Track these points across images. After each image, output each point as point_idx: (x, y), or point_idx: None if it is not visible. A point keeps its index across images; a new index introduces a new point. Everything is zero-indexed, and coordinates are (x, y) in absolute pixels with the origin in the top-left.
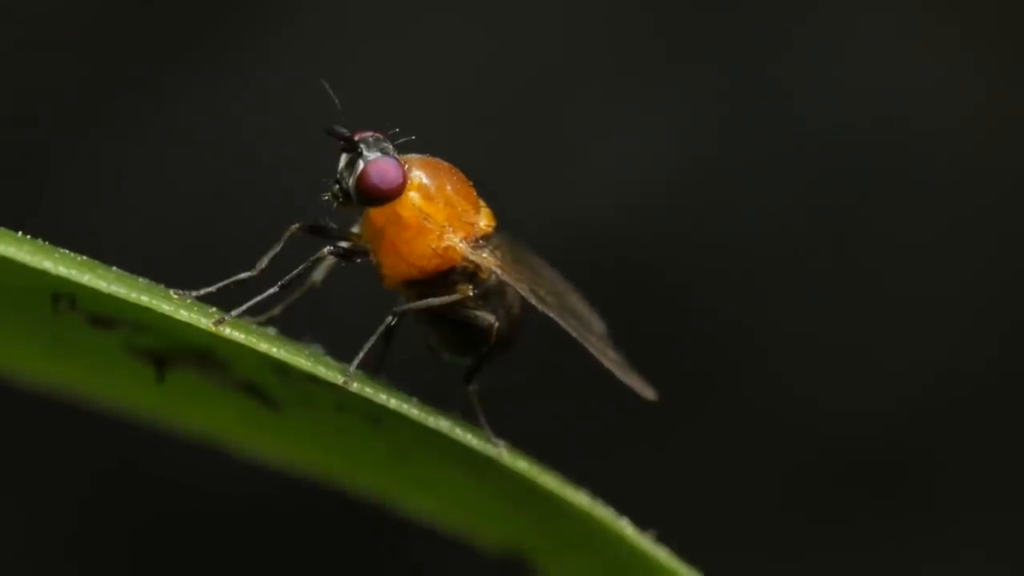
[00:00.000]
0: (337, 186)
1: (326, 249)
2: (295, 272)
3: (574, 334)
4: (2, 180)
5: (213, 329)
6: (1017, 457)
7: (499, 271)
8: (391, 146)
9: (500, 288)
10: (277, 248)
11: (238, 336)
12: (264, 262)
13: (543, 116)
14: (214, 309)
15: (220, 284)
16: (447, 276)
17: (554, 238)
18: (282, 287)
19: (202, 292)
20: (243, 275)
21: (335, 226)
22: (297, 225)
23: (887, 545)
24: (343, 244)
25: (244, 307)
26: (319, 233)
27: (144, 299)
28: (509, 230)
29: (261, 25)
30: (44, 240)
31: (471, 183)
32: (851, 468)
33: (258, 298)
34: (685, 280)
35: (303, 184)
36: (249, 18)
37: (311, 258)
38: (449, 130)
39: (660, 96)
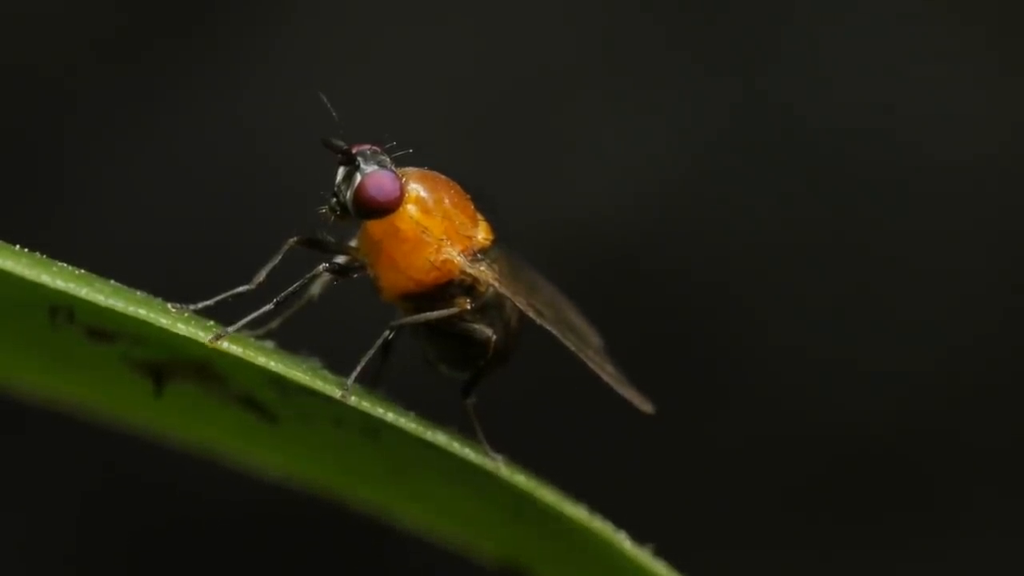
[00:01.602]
0: (334, 199)
1: (322, 266)
2: (291, 288)
3: (572, 347)
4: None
5: (210, 344)
6: (1017, 458)
7: (497, 284)
8: (388, 159)
9: (498, 301)
10: (275, 261)
11: (235, 350)
12: (262, 275)
13: (542, 116)
14: (212, 323)
15: (218, 298)
16: (445, 289)
17: (552, 238)
18: (278, 303)
19: (200, 306)
20: (241, 288)
21: (333, 239)
22: (295, 238)
23: (888, 557)
24: (339, 260)
25: (241, 323)
26: (317, 247)
27: (142, 312)
28: (507, 231)
29: (261, 25)
30: (42, 248)
31: (469, 196)
32: (853, 476)
33: (254, 315)
34: (684, 281)
35: (304, 187)
36: (248, 19)
37: (307, 275)
38: (447, 129)
39: (658, 96)
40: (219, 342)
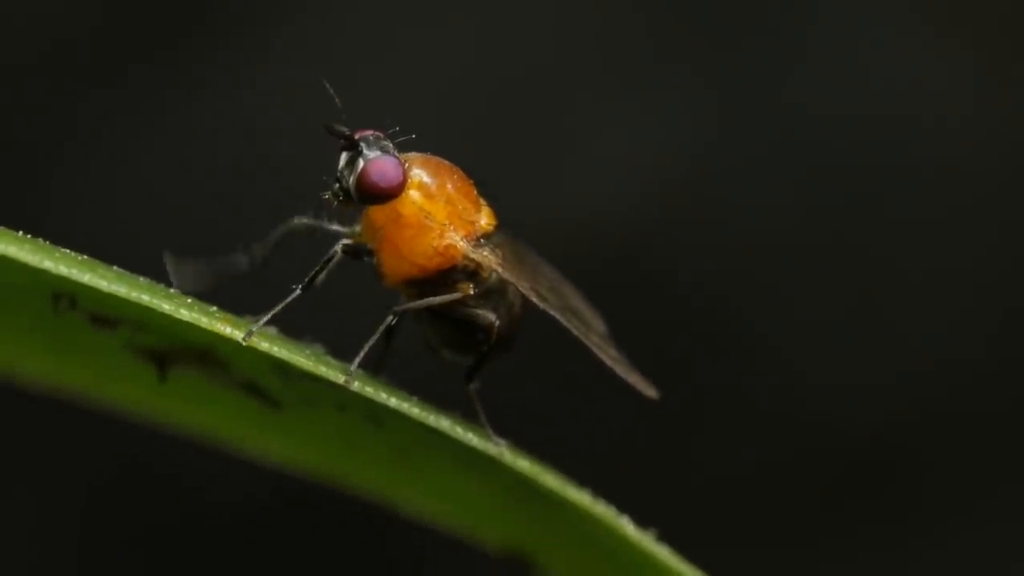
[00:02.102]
0: (337, 185)
1: (337, 247)
2: (314, 272)
3: (575, 332)
4: (2, 178)
5: (244, 342)
6: (1011, 458)
7: (500, 269)
8: (391, 144)
9: (501, 286)
10: (275, 236)
11: (239, 335)
12: (259, 253)
13: (542, 116)
14: (215, 308)
15: (214, 270)
16: (448, 275)
17: (552, 238)
18: (303, 290)
19: (193, 283)
20: (236, 263)
21: (335, 227)
22: (297, 219)
23: (887, 544)
24: (351, 242)
25: (270, 314)
26: (319, 231)
27: (145, 298)
28: (509, 228)
29: (261, 25)
30: (46, 238)
31: (471, 181)
32: (851, 466)
33: (282, 304)
34: (685, 280)
35: (304, 186)
36: (249, 18)
37: (324, 258)
38: (448, 126)
39: (658, 96)
40: (250, 339)
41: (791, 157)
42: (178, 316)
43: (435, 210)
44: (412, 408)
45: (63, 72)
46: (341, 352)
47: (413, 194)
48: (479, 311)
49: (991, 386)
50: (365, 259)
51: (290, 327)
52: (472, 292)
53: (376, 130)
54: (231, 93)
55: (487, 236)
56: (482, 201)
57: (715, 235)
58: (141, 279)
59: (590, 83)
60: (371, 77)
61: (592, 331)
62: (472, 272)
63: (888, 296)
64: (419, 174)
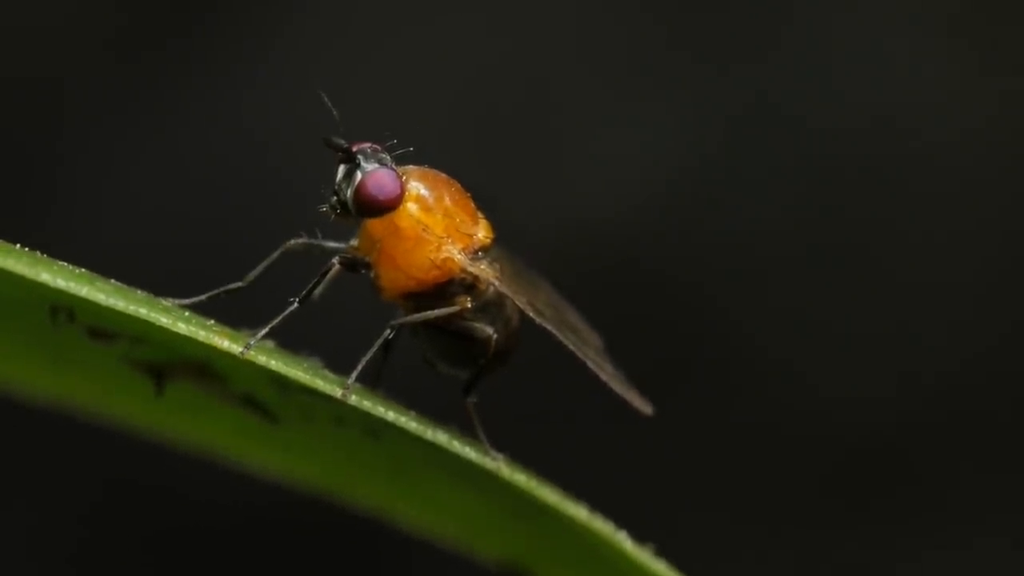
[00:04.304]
0: (335, 197)
1: (335, 259)
2: (310, 285)
3: (571, 347)
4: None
5: (241, 356)
6: (1009, 460)
7: (497, 283)
8: (389, 157)
9: (498, 300)
10: (271, 260)
11: (236, 349)
12: (256, 273)
13: (542, 119)
14: (212, 321)
15: (211, 293)
16: (445, 288)
17: (553, 240)
18: (301, 303)
19: (189, 301)
20: (234, 285)
21: (332, 244)
22: (293, 241)
23: (889, 556)
24: (348, 255)
25: (266, 329)
26: (315, 250)
27: (142, 312)
28: (510, 232)
29: (261, 25)
30: (42, 248)
31: (469, 194)
32: (852, 479)
33: (279, 319)
34: (685, 283)
35: (304, 187)
36: (248, 19)
37: (321, 271)
38: (447, 133)
39: (659, 98)
40: (246, 353)
41: (791, 159)
42: (176, 330)
43: (433, 223)
44: (409, 422)
45: (60, 75)
46: (338, 365)
47: (411, 207)
48: (476, 325)
49: (991, 387)
50: (362, 272)
51: (288, 340)
52: (469, 306)
53: (374, 142)
54: (231, 95)
55: (485, 249)
56: (480, 214)
57: (715, 238)
58: (139, 292)
59: (591, 85)
60: (371, 80)
61: (588, 346)
62: (469, 285)
63: (887, 298)
64: (417, 187)
